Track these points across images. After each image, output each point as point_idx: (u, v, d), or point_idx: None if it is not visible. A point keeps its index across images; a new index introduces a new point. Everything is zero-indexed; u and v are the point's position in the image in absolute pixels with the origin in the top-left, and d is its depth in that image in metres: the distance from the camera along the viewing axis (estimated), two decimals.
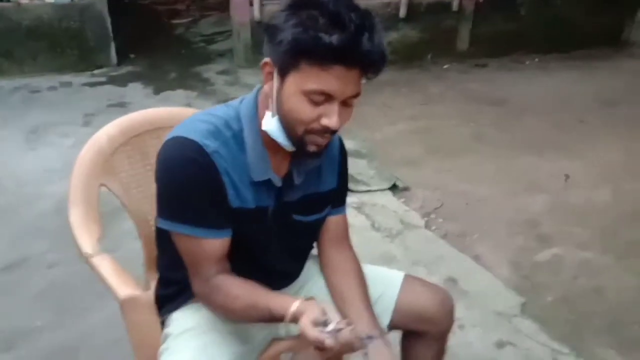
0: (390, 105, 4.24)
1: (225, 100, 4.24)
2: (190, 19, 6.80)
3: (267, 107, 1.04)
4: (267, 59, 1.00)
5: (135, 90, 4.45)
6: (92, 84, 4.55)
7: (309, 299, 1.04)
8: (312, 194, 1.18)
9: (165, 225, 1.07)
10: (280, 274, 1.23)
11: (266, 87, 1.03)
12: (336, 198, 1.25)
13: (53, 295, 2.14)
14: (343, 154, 1.26)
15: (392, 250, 2.45)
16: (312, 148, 1.02)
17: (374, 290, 1.26)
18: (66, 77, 4.63)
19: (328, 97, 0.96)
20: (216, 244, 1.07)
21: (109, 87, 4.49)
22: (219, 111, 1.10)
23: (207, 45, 5.83)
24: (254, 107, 1.08)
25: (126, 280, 1.14)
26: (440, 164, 3.34)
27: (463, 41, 5.51)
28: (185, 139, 1.02)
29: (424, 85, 4.74)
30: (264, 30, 1.01)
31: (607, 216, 2.82)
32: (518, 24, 5.60)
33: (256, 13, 4.80)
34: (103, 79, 4.66)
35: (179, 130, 1.06)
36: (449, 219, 2.77)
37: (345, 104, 1.00)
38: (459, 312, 1.32)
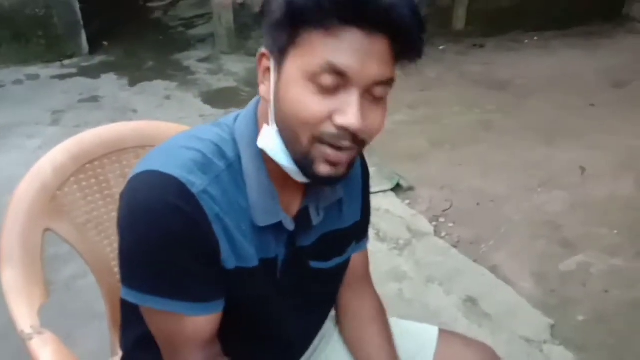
0: None
1: (208, 92, 3.97)
2: (168, 1, 6.38)
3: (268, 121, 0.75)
4: (263, 49, 0.72)
5: (109, 82, 4.08)
6: (61, 76, 4.17)
7: None
8: (331, 232, 0.88)
9: (132, 297, 0.75)
10: (292, 344, 0.94)
11: (262, 89, 0.73)
12: (359, 231, 0.97)
13: None
14: (365, 173, 0.97)
15: (401, 265, 2.17)
16: (322, 168, 0.71)
17: (403, 350, 1.01)
18: (33, 69, 4.26)
19: (342, 80, 0.67)
20: (202, 322, 0.77)
21: (80, 80, 4.12)
22: (207, 133, 0.78)
23: (186, 30, 5.44)
24: (254, 125, 0.78)
25: None
26: (445, 158, 3.06)
27: (459, 20, 5.19)
28: (161, 174, 0.71)
29: (420, 68, 4.16)
30: (259, 13, 0.74)
31: (633, 213, 2.55)
32: (515, 0, 5.29)
33: None
34: (74, 70, 4.29)
35: (152, 160, 0.74)
36: (460, 222, 2.50)
37: (372, 95, 0.70)
38: (484, 339, 1.06)
